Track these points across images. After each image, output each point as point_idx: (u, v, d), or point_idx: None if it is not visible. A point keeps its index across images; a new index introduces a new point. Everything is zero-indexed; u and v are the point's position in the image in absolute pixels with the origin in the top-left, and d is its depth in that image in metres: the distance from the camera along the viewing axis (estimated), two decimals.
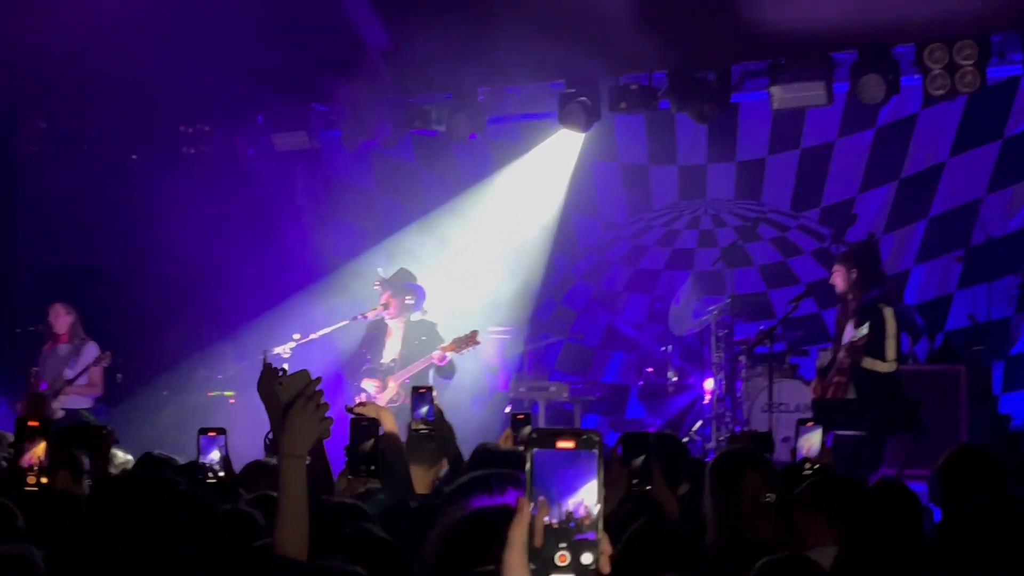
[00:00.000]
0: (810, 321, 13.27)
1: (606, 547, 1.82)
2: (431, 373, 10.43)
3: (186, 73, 12.39)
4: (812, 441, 5.56)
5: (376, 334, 10.99)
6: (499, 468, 3.83)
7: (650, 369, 14.28)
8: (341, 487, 5.47)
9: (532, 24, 10.90)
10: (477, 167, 14.51)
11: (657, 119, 13.57)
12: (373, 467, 5.00)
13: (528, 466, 1.82)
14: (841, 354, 9.98)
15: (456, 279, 13.40)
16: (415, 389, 5.65)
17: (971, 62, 10.55)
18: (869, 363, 9.77)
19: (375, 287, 11.03)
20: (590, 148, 13.86)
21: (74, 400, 11.56)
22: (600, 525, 1.82)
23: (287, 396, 3.38)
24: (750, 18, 10.69)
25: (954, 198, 13.46)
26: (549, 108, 12.55)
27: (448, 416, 5.91)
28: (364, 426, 5.02)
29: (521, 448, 5.91)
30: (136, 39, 11.57)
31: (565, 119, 12.12)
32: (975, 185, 13.31)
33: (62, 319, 11.83)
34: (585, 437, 1.84)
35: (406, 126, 13.04)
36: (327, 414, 3.40)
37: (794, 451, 5.59)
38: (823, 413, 9.13)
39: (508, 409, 12.79)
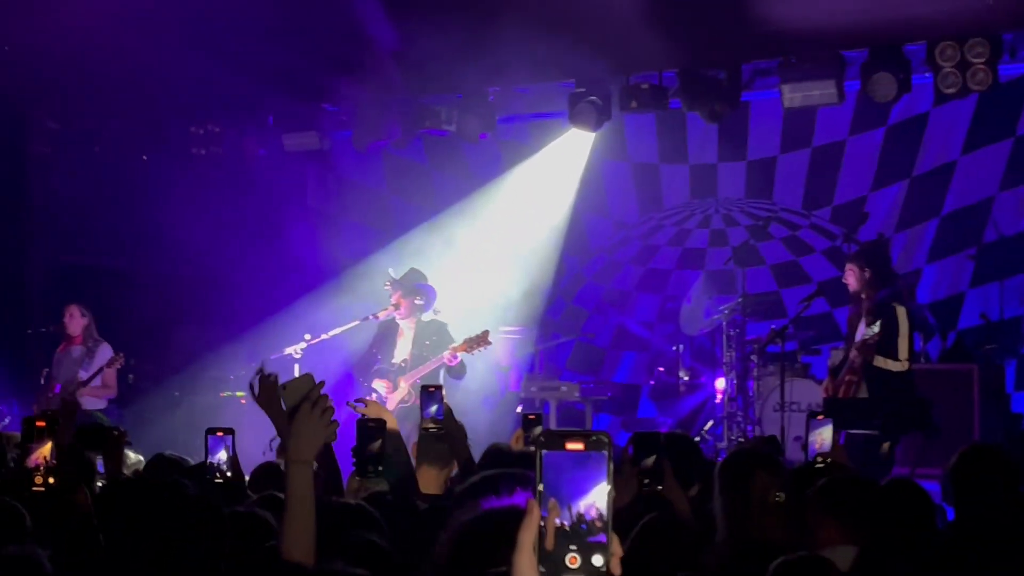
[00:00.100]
0: (822, 320, 13.24)
1: (616, 549, 1.81)
2: (442, 373, 10.42)
3: (197, 74, 12.41)
4: (824, 436, 5.54)
5: (387, 334, 10.99)
6: (510, 469, 3.83)
7: (661, 369, 14.27)
8: (352, 488, 5.47)
9: (542, 24, 10.89)
10: (488, 167, 14.51)
11: (668, 118, 13.56)
12: (380, 468, 5.00)
13: (537, 468, 1.82)
14: (853, 353, 9.96)
15: (467, 279, 13.39)
16: (424, 388, 5.65)
17: (982, 60, 10.53)
18: (881, 362, 9.76)
19: (386, 287, 11.03)
20: (601, 147, 13.85)
21: (88, 402, 11.57)
22: (610, 526, 1.81)
23: (292, 401, 3.38)
24: (761, 16, 10.67)
25: (966, 196, 13.43)
26: (559, 108, 12.54)
27: (459, 416, 5.91)
28: (371, 427, 5.02)
29: (532, 449, 5.90)
30: (147, 40, 11.59)
31: (575, 119, 12.12)
32: (987, 183, 13.27)
33: (77, 321, 11.85)
34: (594, 438, 1.83)
35: (416, 126, 13.04)
36: (334, 416, 3.39)
37: (806, 446, 5.57)
38: (835, 412, 9.09)
39: (519, 409, 12.79)
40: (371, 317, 11.11)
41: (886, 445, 9.60)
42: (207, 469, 5.10)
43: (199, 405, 12.68)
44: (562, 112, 12.45)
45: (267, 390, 4.30)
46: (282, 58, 12.14)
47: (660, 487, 4.49)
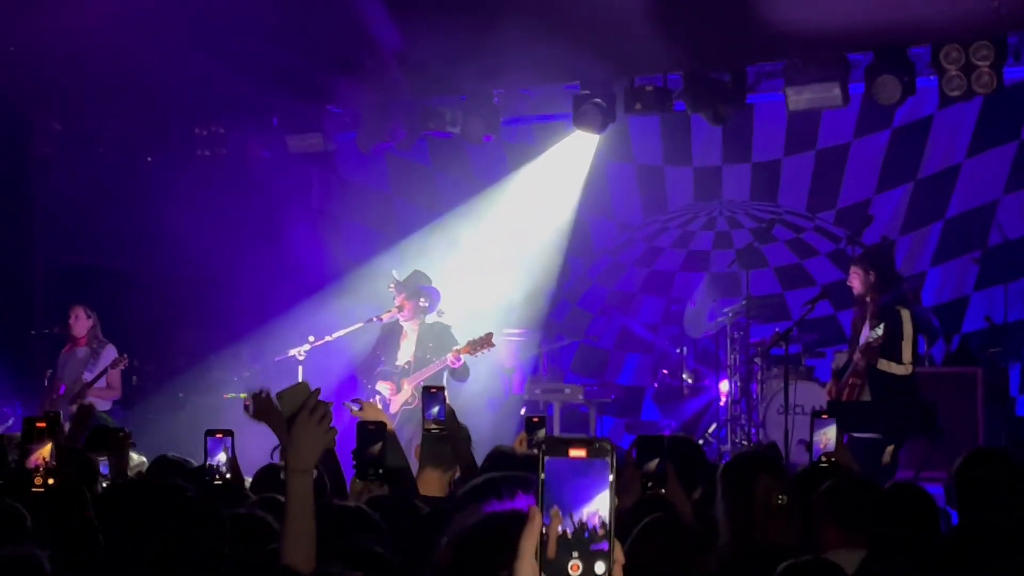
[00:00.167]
0: (826, 323, 13.23)
1: (619, 556, 1.81)
2: (445, 376, 10.42)
3: (200, 75, 12.42)
4: (828, 435, 5.53)
5: (390, 336, 10.99)
6: (513, 472, 3.82)
7: (665, 371, 14.26)
8: (355, 490, 5.47)
9: (547, 26, 10.88)
10: (492, 169, 14.51)
11: (672, 120, 13.55)
12: (381, 471, 5.01)
13: (540, 475, 1.81)
14: (856, 356, 9.95)
15: (471, 281, 13.39)
16: (426, 389, 5.65)
17: (987, 63, 10.51)
18: (885, 365, 9.75)
19: (389, 289, 11.03)
20: (605, 149, 13.85)
21: (94, 403, 11.57)
22: (613, 534, 1.80)
23: (289, 410, 3.38)
24: (765, 19, 10.66)
25: (971, 199, 13.42)
26: (564, 109, 12.53)
27: (462, 419, 5.91)
28: (371, 430, 5.03)
29: (535, 451, 5.90)
30: (150, 41, 11.60)
31: (580, 120, 12.11)
32: (992, 186, 13.26)
33: (82, 322, 11.85)
34: (597, 445, 1.83)
35: (420, 128, 13.03)
36: (337, 418, 3.39)
37: (810, 445, 5.56)
38: (838, 415, 9.07)
39: (523, 411, 12.79)
40: (375, 319, 11.12)
41: (890, 450, 9.58)
42: (206, 471, 5.10)
43: (203, 406, 12.68)
44: (566, 114, 12.44)
45: (262, 405, 4.32)
46: (286, 59, 12.14)
47: (663, 490, 4.48)
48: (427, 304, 10.87)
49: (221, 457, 5.13)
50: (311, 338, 11.30)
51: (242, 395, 12.50)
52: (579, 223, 14.58)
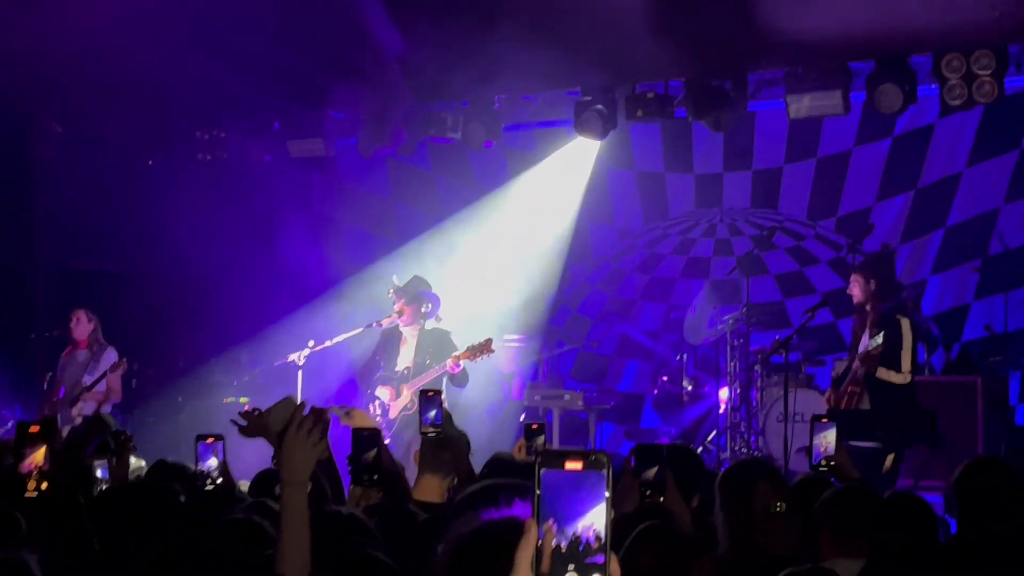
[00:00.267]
0: (826, 331, 13.23)
1: (615, 568, 1.80)
2: (444, 381, 10.42)
3: (202, 79, 12.42)
4: (828, 439, 5.51)
5: (390, 342, 10.99)
6: (511, 479, 3.82)
7: (665, 378, 14.25)
8: (354, 496, 5.47)
9: (548, 32, 10.89)
10: (493, 175, 14.52)
11: (673, 127, 13.55)
12: (376, 477, 5.02)
13: (536, 487, 1.81)
14: (856, 364, 9.94)
15: (471, 287, 13.40)
16: (423, 392, 5.65)
17: (988, 72, 10.51)
18: (884, 374, 9.74)
19: (389, 295, 11.03)
20: (606, 156, 13.86)
21: (92, 407, 11.57)
22: (609, 546, 1.80)
23: (278, 427, 3.41)
24: (767, 27, 10.67)
25: (971, 208, 13.42)
26: (565, 116, 12.54)
27: (461, 424, 5.91)
28: (366, 436, 5.04)
29: (534, 459, 5.90)
30: (152, 45, 11.60)
31: (581, 127, 12.11)
32: (992, 195, 13.27)
33: (83, 326, 11.84)
34: (594, 458, 1.83)
35: (422, 133, 13.04)
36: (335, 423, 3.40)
37: (810, 449, 5.54)
38: (837, 423, 9.08)
39: (523, 418, 12.78)
40: (375, 324, 11.12)
41: (890, 459, 9.57)
42: (197, 476, 5.09)
43: (202, 410, 12.68)
44: (568, 120, 12.44)
45: (253, 422, 4.34)
46: (288, 64, 12.15)
47: (662, 498, 4.48)
48: (427, 310, 10.87)
49: (212, 462, 5.12)
50: (311, 343, 11.30)
51: (242, 399, 12.52)
52: (580, 229, 14.59)
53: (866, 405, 9.89)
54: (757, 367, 12.57)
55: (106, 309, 12.39)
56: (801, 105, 11.21)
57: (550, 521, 1.80)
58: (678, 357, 14.06)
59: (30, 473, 4.27)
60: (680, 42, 11.17)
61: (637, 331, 15.37)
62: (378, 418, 10.60)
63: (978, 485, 5.14)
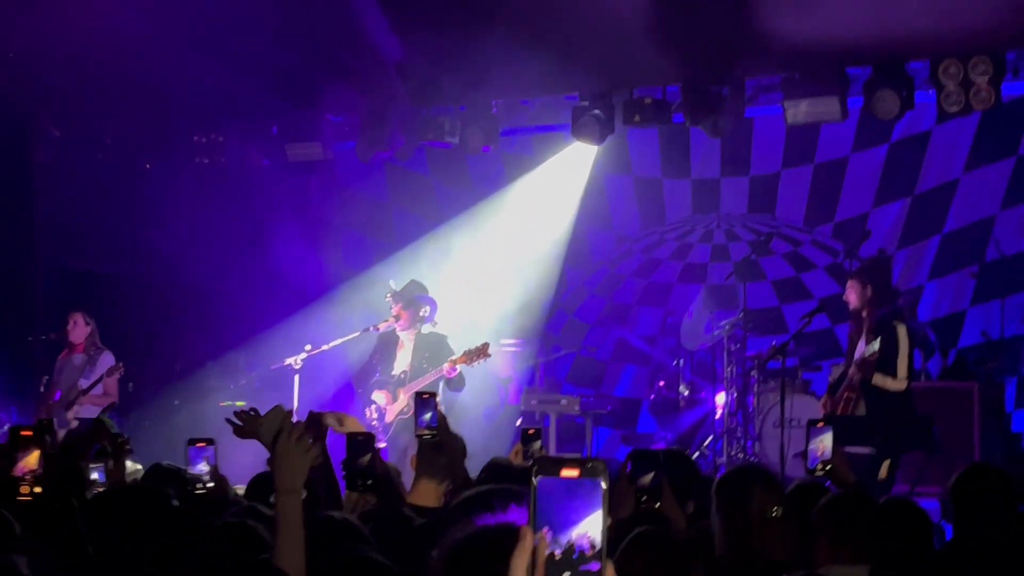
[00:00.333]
0: (823, 336, 13.24)
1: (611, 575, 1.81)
2: (441, 386, 10.42)
3: (201, 82, 12.43)
4: (824, 443, 5.51)
5: (387, 346, 10.99)
6: (509, 484, 3.82)
7: (662, 383, 14.25)
8: (351, 501, 5.46)
9: (546, 37, 10.90)
10: (490, 179, 14.52)
11: (671, 132, 13.57)
12: (370, 482, 5.02)
13: (532, 495, 1.81)
14: (852, 370, 9.95)
15: (468, 291, 13.40)
16: (418, 395, 5.64)
17: (986, 78, 10.52)
18: (880, 380, 9.74)
19: (387, 299, 11.03)
20: (603, 161, 13.86)
21: (89, 410, 11.56)
22: (605, 554, 1.80)
23: (269, 437, 3.45)
24: (764, 32, 10.67)
25: (968, 214, 13.43)
26: (563, 121, 12.54)
27: (458, 429, 5.90)
28: (360, 441, 5.04)
29: (531, 464, 5.90)
30: (152, 48, 11.61)
31: (579, 132, 12.11)
32: (989, 201, 13.28)
33: (80, 329, 11.83)
34: (590, 465, 1.82)
35: (420, 138, 13.03)
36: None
37: (806, 453, 5.54)
38: (833, 429, 9.08)
39: (519, 422, 12.78)
40: (371, 328, 11.12)
41: (885, 465, 9.57)
42: (188, 480, 5.08)
43: (199, 414, 12.67)
44: (565, 125, 12.44)
45: (249, 422, 4.35)
46: (287, 68, 12.16)
47: (658, 504, 4.48)
48: (424, 314, 10.87)
49: (203, 466, 5.11)
50: (308, 347, 11.30)
51: (239, 403, 12.51)
52: (577, 234, 14.59)
53: (862, 411, 9.90)
54: (754, 372, 12.58)
55: (104, 312, 12.38)
56: (798, 111, 11.22)
57: (544, 529, 1.80)
58: (675, 362, 14.07)
59: (23, 476, 4.27)
60: (678, 47, 11.18)
61: (634, 336, 15.38)
62: (374, 422, 10.60)
63: (974, 491, 5.14)
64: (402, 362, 10.82)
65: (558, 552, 1.79)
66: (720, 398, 13.03)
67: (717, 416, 13.08)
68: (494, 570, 1.96)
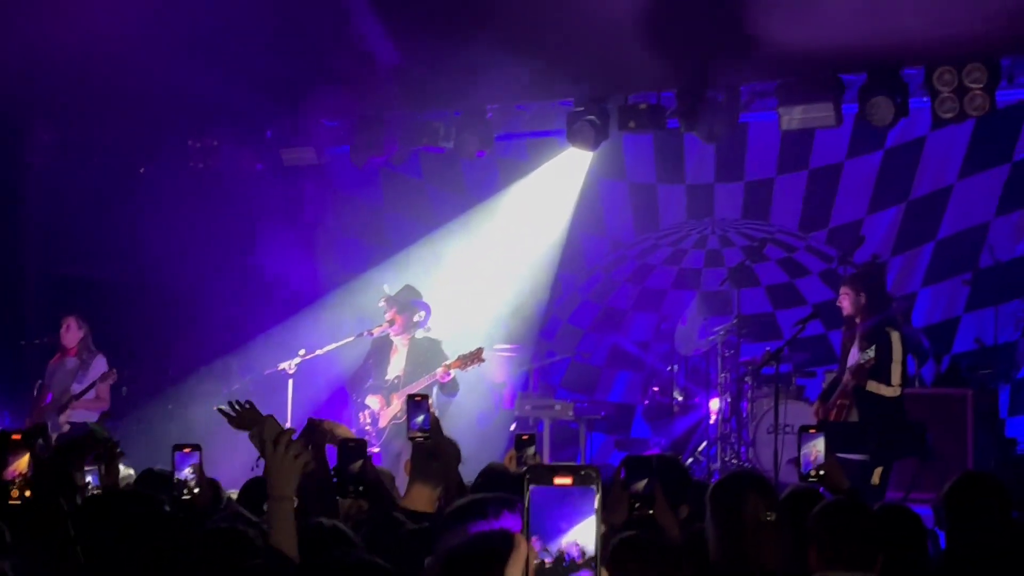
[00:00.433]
0: (817, 342, 13.24)
1: None
2: (435, 390, 10.41)
3: (195, 87, 12.41)
4: (817, 448, 5.50)
5: (381, 351, 10.99)
6: (506, 490, 3.81)
7: (656, 388, 14.24)
8: (345, 507, 5.45)
9: (541, 42, 10.90)
10: (485, 184, 14.52)
11: (666, 138, 13.57)
12: (362, 488, 5.02)
13: (525, 503, 1.80)
14: (846, 376, 9.94)
15: (462, 296, 13.40)
16: (410, 397, 5.63)
17: (980, 85, 10.54)
18: (874, 386, 9.73)
19: (381, 304, 11.02)
20: (598, 166, 13.86)
21: (81, 414, 11.55)
22: (599, 562, 1.80)
23: (261, 441, 3.50)
24: (759, 38, 10.68)
25: (962, 221, 13.45)
26: (557, 126, 12.54)
27: (452, 434, 5.89)
28: (351, 447, 5.04)
29: (525, 469, 5.89)
30: (145, 53, 11.59)
31: (573, 137, 12.11)
32: (983, 208, 13.29)
33: (73, 333, 11.81)
34: (583, 473, 1.82)
35: (414, 142, 13.03)
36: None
37: (799, 460, 5.53)
38: (826, 435, 9.08)
39: (513, 427, 12.78)
40: (365, 333, 11.11)
41: (878, 472, 9.57)
42: (174, 486, 5.07)
43: (192, 418, 12.65)
44: (560, 131, 12.45)
45: (243, 414, 4.37)
46: (281, 73, 12.14)
47: (651, 511, 4.47)
48: (418, 319, 10.87)
49: (188, 471, 5.10)
50: (302, 351, 11.29)
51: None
52: (571, 240, 14.59)
53: (855, 418, 9.89)
54: (748, 378, 12.58)
55: (97, 316, 12.37)
56: (793, 117, 11.23)
57: (534, 538, 1.80)
58: (669, 368, 14.06)
59: (13, 480, 4.26)
60: (672, 53, 11.19)
61: (628, 341, 15.38)
62: (368, 427, 10.60)
63: (968, 498, 5.14)
64: (396, 367, 10.81)
65: (549, 560, 1.79)
66: (714, 404, 13.03)
67: (711, 422, 13.08)
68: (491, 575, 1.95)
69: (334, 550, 3.71)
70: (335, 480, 5.05)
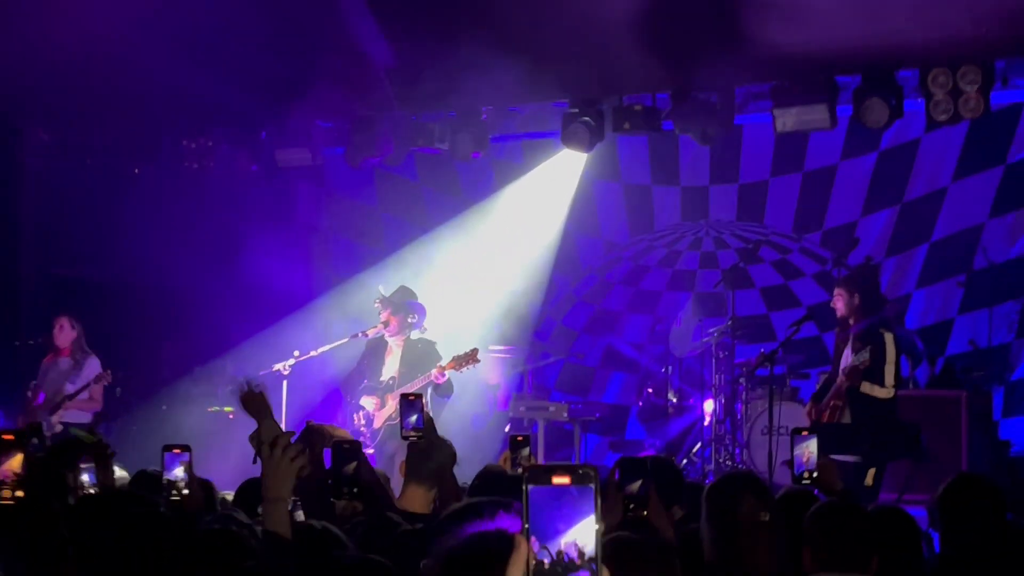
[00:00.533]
0: (811, 344, 13.24)
1: None
2: (429, 391, 10.41)
3: (190, 88, 12.40)
4: (810, 449, 5.50)
5: (375, 352, 10.99)
6: (503, 492, 3.82)
7: (650, 390, 14.25)
8: (340, 508, 5.45)
9: (536, 44, 10.91)
10: (479, 185, 14.53)
11: (660, 140, 13.56)
12: (356, 490, 5.02)
13: (524, 503, 1.80)
14: (840, 378, 9.95)
15: (457, 297, 13.40)
16: (404, 397, 5.63)
17: (975, 87, 10.55)
18: (868, 388, 9.74)
19: (375, 305, 11.02)
20: (593, 168, 13.87)
21: (73, 415, 11.53)
22: (599, 560, 1.80)
23: (259, 442, 3.52)
24: (754, 40, 10.69)
25: (956, 223, 13.46)
26: (552, 127, 12.54)
27: (446, 434, 5.89)
28: (346, 449, 5.04)
29: (520, 471, 5.90)
30: (140, 54, 11.59)
31: (568, 139, 12.11)
32: (977, 210, 13.31)
33: (66, 333, 11.79)
34: (581, 472, 1.82)
35: (409, 144, 13.03)
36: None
37: (792, 461, 5.53)
38: (819, 437, 9.08)
39: (507, 428, 12.77)
40: (360, 334, 11.11)
41: (871, 473, 9.58)
42: (163, 487, 5.06)
43: (187, 419, 12.64)
44: (554, 132, 12.45)
45: (255, 398, 4.38)
46: (276, 73, 12.14)
47: (645, 512, 4.47)
48: (413, 320, 10.86)
49: (178, 472, 5.09)
50: (296, 352, 11.29)
51: (226, 408, 12.50)
52: (566, 241, 14.60)
53: (847, 419, 9.90)
54: (742, 380, 12.58)
55: (92, 317, 12.35)
56: (787, 119, 11.23)
57: (532, 538, 1.80)
58: (663, 369, 14.07)
59: (5, 480, 4.27)
60: (667, 55, 11.19)
61: (622, 343, 15.38)
62: (363, 428, 10.60)
63: (962, 500, 5.15)
64: (390, 368, 10.81)
65: (547, 560, 1.79)
66: (708, 405, 13.03)
67: (705, 423, 13.08)
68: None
69: (326, 551, 3.72)
70: (329, 482, 5.05)
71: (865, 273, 10.84)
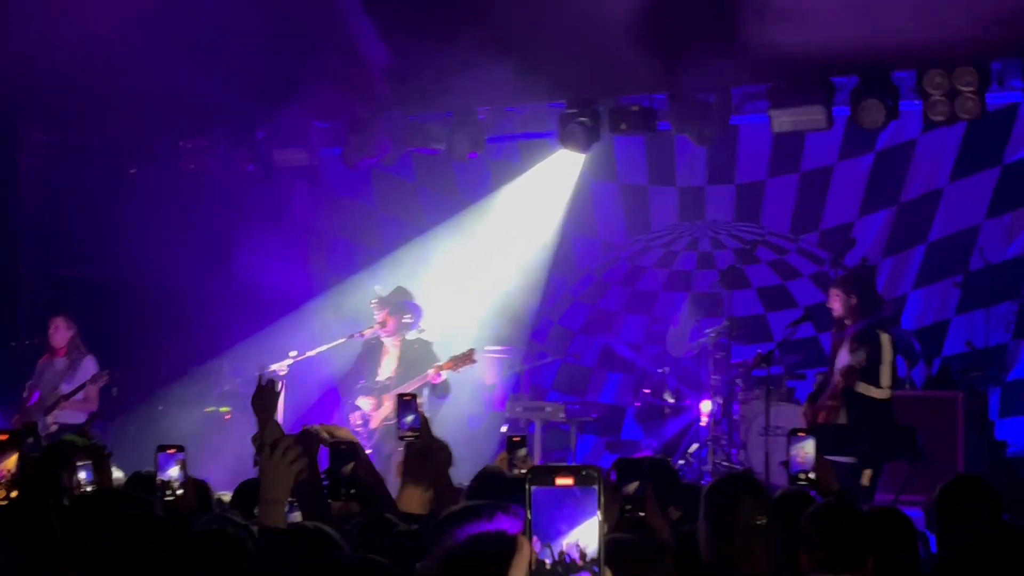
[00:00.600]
0: (808, 345, 13.25)
1: None
2: (426, 392, 10.41)
3: (187, 88, 12.40)
4: (806, 450, 5.49)
5: (372, 352, 10.98)
6: (502, 493, 3.82)
7: (647, 390, 14.23)
8: (336, 509, 5.45)
9: (533, 44, 10.90)
10: (476, 186, 14.52)
11: (657, 140, 13.57)
12: (353, 491, 5.02)
13: (528, 504, 1.80)
14: (836, 378, 9.95)
15: (453, 298, 13.40)
16: (400, 396, 5.63)
17: (971, 88, 10.56)
18: (864, 388, 9.75)
19: (372, 305, 11.02)
20: (590, 168, 13.87)
21: (69, 415, 11.52)
22: (602, 560, 1.80)
23: (259, 448, 3.55)
24: (751, 41, 10.69)
25: (953, 223, 13.46)
26: (549, 128, 12.55)
27: (443, 435, 5.89)
28: (343, 450, 5.04)
29: (515, 471, 5.90)
30: (138, 54, 11.58)
31: (565, 139, 12.12)
32: (974, 211, 13.31)
33: (62, 333, 11.78)
34: (584, 473, 1.82)
35: (406, 144, 13.03)
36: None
37: (788, 462, 5.52)
38: (815, 437, 9.08)
39: (504, 428, 12.77)
40: (357, 335, 11.11)
41: (867, 474, 9.58)
42: (157, 487, 5.05)
43: (183, 420, 12.64)
44: (551, 132, 12.46)
45: (266, 396, 4.40)
46: (273, 74, 12.14)
47: (642, 513, 4.47)
48: (410, 320, 10.87)
49: (172, 472, 5.08)
50: (293, 353, 11.28)
51: (223, 408, 12.50)
52: (563, 241, 14.60)
53: (843, 420, 9.90)
54: (739, 380, 12.57)
55: (89, 317, 12.34)
56: (784, 119, 11.24)
57: (534, 539, 1.80)
58: (660, 370, 14.06)
59: (0, 480, 4.26)
60: (664, 55, 11.19)
61: (619, 343, 15.38)
62: (359, 428, 10.59)
63: (959, 501, 5.15)
64: (387, 368, 10.81)
65: (549, 561, 1.79)
66: (705, 406, 13.02)
67: (702, 424, 13.06)
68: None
69: (320, 552, 3.72)
70: (326, 483, 5.05)
71: (862, 273, 10.86)
